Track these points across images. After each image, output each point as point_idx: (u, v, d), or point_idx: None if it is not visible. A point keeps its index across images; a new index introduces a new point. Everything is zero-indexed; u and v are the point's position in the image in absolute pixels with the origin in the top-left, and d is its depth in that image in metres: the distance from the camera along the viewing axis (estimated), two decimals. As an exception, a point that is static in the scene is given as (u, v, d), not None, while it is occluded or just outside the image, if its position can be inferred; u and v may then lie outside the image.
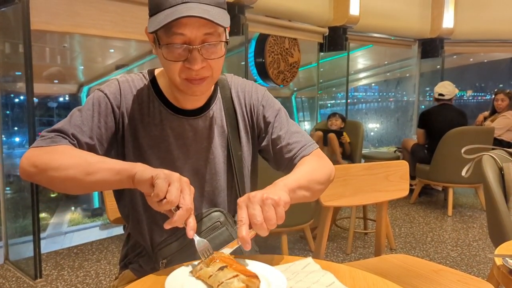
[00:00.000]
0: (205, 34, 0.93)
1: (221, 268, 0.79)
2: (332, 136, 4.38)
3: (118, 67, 5.03)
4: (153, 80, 1.08)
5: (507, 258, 0.95)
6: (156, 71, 1.11)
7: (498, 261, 0.98)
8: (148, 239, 1.08)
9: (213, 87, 1.10)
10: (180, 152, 1.07)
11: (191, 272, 0.83)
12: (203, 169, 1.09)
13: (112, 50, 5.07)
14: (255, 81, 4.73)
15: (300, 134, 1.12)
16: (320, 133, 4.50)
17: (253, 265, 0.85)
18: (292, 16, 4.46)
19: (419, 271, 1.59)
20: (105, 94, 1.03)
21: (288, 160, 1.09)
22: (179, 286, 0.79)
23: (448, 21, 5.59)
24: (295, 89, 6.61)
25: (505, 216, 1.89)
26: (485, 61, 8.17)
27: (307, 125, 6.53)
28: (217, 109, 1.11)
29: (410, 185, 4.34)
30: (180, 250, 1.00)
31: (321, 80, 5.69)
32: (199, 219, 1.00)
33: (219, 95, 1.12)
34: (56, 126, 0.99)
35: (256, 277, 0.74)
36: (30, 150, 0.95)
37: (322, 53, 5.26)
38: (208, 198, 1.09)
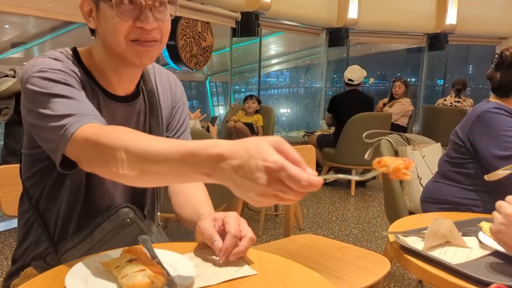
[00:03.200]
0: None
1: (130, 260, 0.77)
2: (243, 127, 4.48)
3: (14, 45, 4.57)
4: (77, 59, 0.97)
5: (398, 235, 1.05)
6: (80, 51, 0.99)
7: (391, 238, 1.08)
8: (56, 237, 0.99)
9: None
10: None
11: (101, 262, 0.80)
12: None
13: (7, 26, 4.59)
14: (167, 64, 4.60)
15: None
16: (232, 123, 4.57)
17: (161, 253, 0.83)
18: (205, -1, 4.40)
19: (324, 249, 1.69)
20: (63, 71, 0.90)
21: None
22: (83, 276, 0.76)
23: (352, 12, 5.91)
24: (209, 73, 6.56)
25: (399, 196, 2.08)
26: (385, 51, 8.81)
27: (221, 110, 6.53)
28: (143, 96, 1.05)
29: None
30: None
31: (234, 65, 5.71)
32: (106, 217, 0.95)
33: (141, 82, 1.06)
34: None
35: (162, 274, 0.73)
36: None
37: (235, 38, 5.27)
38: (132, 190, 1.05)
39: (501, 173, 1.17)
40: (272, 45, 7.46)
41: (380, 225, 3.47)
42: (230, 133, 4.68)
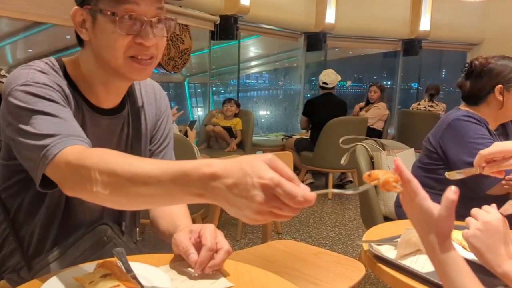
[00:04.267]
0: (158, 8, 0.87)
1: (104, 275, 0.76)
2: (221, 131, 4.48)
3: (-15, 44, 4.44)
4: (63, 71, 0.94)
5: (372, 244, 1.07)
6: (66, 61, 0.96)
7: (365, 247, 1.10)
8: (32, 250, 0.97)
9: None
10: None
11: (74, 277, 0.79)
12: None
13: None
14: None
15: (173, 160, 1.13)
16: (211, 127, 4.56)
17: (136, 266, 0.83)
18: (183, 2, 4.37)
19: (300, 255, 1.71)
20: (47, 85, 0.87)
21: None
22: None
23: (330, 17, 5.98)
24: (188, 74, 6.53)
25: (374, 201, 2.12)
26: (362, 54, 8.95)
27: (200, 111, 6.51)
28: (128, 108, 1.04)
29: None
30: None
31: (213, 67, 5.70)
32: (82, 235, 0.94)
33: (127, 93, 1.04)
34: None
35: (137, 289, 0.73)
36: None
37: (213, 41, 5.26)
38: None
39: (458, 174, 1.21)
40: (251, 47, 7.47)
41: (356, 228, 3.52)
42: (209, 137, 4.67)
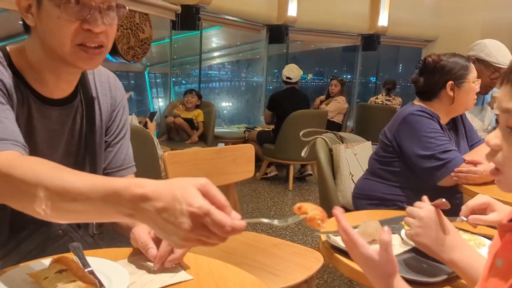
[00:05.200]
0: None
1: (60, 271, 0.74)
2: (182, 123, 4.44)
3: None
4: (7, 60, 0.89)
5: (330, 235, 1.11)
6: (11, 50, 0.91)
7: (323, 237, 1.13)
8: None
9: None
10: (46, 147, 0.94)
11: (28, 273, 0.77)
12: (66, 165, 0.98)
13: None
14: (103, 56, 4.42)
15: (130, 152, 1.11)
16: (171, 118, 4.51)
17: (93, 261, 0.82)
18: (143, -10, 4.27)
19: (261, 246, 1.73)
20: None
21: (107, 169, 1.08)
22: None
23: (292, 10, 6.03)
24: (148, 64, 6.39)
25: (332, 192, 2.18)
26: (323, 48, 9.08)
27: (161, 102, 6.40)
28: (80, 98, 1.00)
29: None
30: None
31: (175, 57, 5.61)
32: (35, 229, 0.91)
33: (79, 82, 1.01)
34: None
35: (94, 284, 0.72)
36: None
37: (175, 31, 5.18)
38: None
39: None
40: (214, 38, 7.40)
41: (316, 219, 3.59)
42: (170, 129, 4.61)
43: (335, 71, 10.09)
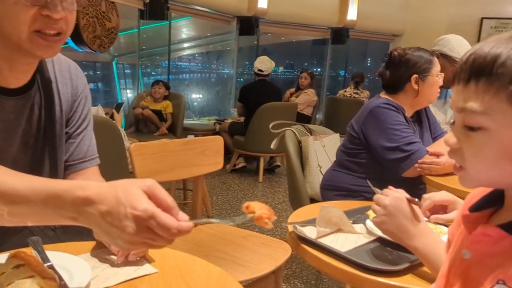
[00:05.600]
0: None
1: (17, 266, 0.71)
2: (151, 114, 4.37)
3: None
4: None
5: (296, 226, 1.11)
6: None
7: (290, 228, 1.14)
8: None
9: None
10: (0, 139, 0.90)
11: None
12: (23, 158, 0.94)
13: None
14: (66, 44, 4.28)
15: (93, 143, 1.08)
16: (139, 110, 4.42)
17: (54, 256, 0.79)
18: (109, -23, 4.15)
19: (229, 238, 1.73)
20: None
21: (69, 161, 1.04)
22: None
23: (262, 2, 6.00)
24: (116, 54, 6.23)
25: (301, 183, 2.19)
26: (294, 41, 9.12)
27: (129, 93, 6.27)
28: (38, 87, 0.96)
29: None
30: None
31: (144, 47, 5.50)
32: None
33: (37, 71, 0.96)
34: None
35: (54, 279, 0.69)
36: None
37: (143, 20, 5.07)
38: None
39: None
40: (183, 29, 7.30)
41: (285, 210, 3.63)
42: (138, 121, 4.53)
43: (306, 64, 10.16)
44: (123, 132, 2.76)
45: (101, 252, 0.88)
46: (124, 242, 0.58)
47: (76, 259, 0.82)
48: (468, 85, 0.55)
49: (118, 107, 3.77)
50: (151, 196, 0.58)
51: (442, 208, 1.09)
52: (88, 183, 0.59)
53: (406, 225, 0.89)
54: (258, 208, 0.72)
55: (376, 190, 1.04)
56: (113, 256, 0.85)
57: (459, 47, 2.36)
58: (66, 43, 4.24)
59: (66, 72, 1.03)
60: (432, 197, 1.10)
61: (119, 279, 0.79)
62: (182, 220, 0.59)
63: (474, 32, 6.63)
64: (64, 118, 1.03)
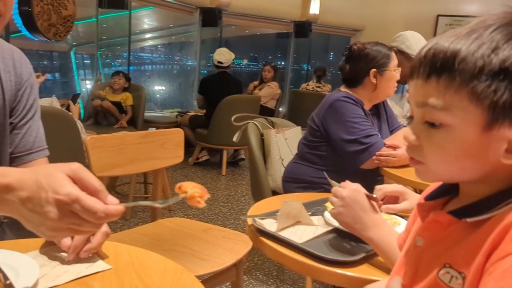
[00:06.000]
0: None
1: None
2: (110, 106, 4.24)
3: None
4: None
5: (256, 219, 1.11)
6: None
7: (250, 221, 1.14)
8: None
9: None
10: None
11: None
12: None
13: None
14: (19, 32, 4.08)
15: (41, 134, 1.04)
16: (98, 101, 4.29)
17: (0, 254, 0.75)
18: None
19: (190, 231, 1.71)
20: None
21: (15, 153, 1.00)
22: None
23: (225, -6, 5.95)
24: (75, 43, 6.01)
25: (263, 176, 2.20)
26: (258, 34, 9.10)
27: (88, 84, 6.07)
28: None
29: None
30: None
31: (104, 37, 5.33)
32: None
33: None
34: None
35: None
36: None
37: (101, 9, 4.90)
38: None
39: None
40: (145, 19, 7.12)
41: (248, 203, 3.63)
42: (96, 113, 4.39)
43: (270, 57, 10.18)
44: (80, 124, 2.66)
45: (50, 249, 0.84)
46: (48, 229, 0.55)
47: (23, 257, 0.78)
48: (429, 80, 0.54)
49: (75, 98, 3.63)
50: (77, 180, 0.56)
51: (393, 199, 1.12)
52: (9, 169, 0.56)
53: (362, 216, 0.91)
54: (190, 188, 0.70)
55: (333, 182, 1.06)
56: (63, 254, 0.82)
57: (416, 44, 2.42)
58: (19, 31, 4.03)
59: (9, 60, 0.98)
60: (383, 188, 1.13)
61: (70, 277, 0.76)
62: (111, 203, 0.57)
63: (430, 29, 6.86)
64: (8, 107, 0.97)
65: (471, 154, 0.54)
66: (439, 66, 0.53)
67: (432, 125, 0.55)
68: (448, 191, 0.63)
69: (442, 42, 0.54)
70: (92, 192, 0.56)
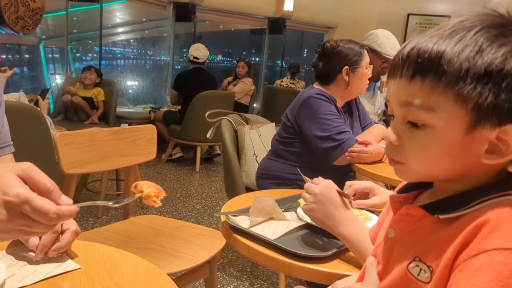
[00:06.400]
0: None
1: None
2: (81, 102, 4.14)
3: None
4: None
5: (229, 216, 1.11)
6: None
7: (223, 218, 1.14)
8: None
9: None
10: None
11: None
12: None
13: None
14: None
15: (5, 130, 1.01)
16: (68, 97, 4.18)
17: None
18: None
19: (163, 229, 1.70)
20: None
21: None
22: None
23: (199, -11, 5.89)
24: (44, 37, 5.83)
25: (237, 173, 2.20)
26: (233, 29, 9.06)
27: (58, 79, 5.90)
28: None
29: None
30: None
31: (74, 30, 5.19)
32: None
33: None
34: None
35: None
36: None
37: (72, 2, 4.78)
38: None
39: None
40: (117, 13, 6.97)
41: (222, 199, 3.63)
42: (67, 108, 4.28)
43: (244, 53, 10.15)
44: (49, 120, 2.59)
45: (18, 249, 0.81)
46: None
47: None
48: (414, 80, 0.54)
49: (44, 93, 3.52)
50: (27, 181, 0.55)
51: (364, 195, 1.14)
52: None
53: (334, 212, 0.92)
54: (146, 187, 0.70)
55: (306, 178, 1.07)
56: (31, 253, 0.80)
57: (387, 43, 2.47)
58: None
59: None
60: (354, 184, 1.15)
61: (38, 277, 0.74)
62: (64, 203, 0.56)
63: (401, 27, 7.00)
64: None
65: (453, 155, 0.54)
66: (424, 67, 0.53)
67: (414, 125, 0.55)
68: (421, 184, 0.63)
69: (425, 42, 0.54)
70: (44, 192, 0.55)
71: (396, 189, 0.68)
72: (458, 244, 0.51)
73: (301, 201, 1.21)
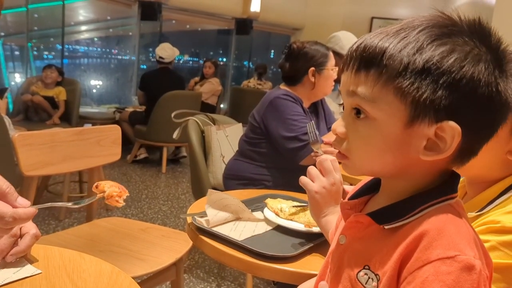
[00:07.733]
0: None
1: None
2: (41, 101, 4.01)
3: None
4: None
5: (195, 217, 1.10)
6: None
7: (189, 220, 1.13)
8: None
9: None
10: None
11: None
12: None
13: None
14: None
15: None
16: (28, 96, 4.03)
17: None
18: None
19: (128, 231, 1.66)
20: None
21: None
22: None
23: (165, -13, 5.81)
24: (2, 34, 5.60)
25: (203, 173, 2.19)
26: (199, 29, 9.00)
27: (18, 78, 5.68)
28: None
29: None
30: None
31: (35, 28, 5.01)
32: None
33: None
34: None
35: None
36: None
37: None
38: None
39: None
40: (81, 10, 6.78)
41: (189, 201, 3.60)
42: (26, 108, 4.13)
43: (211, 53, 10.10)
44: (8, 120, 2.49)
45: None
46: None
47: None
48: (359, 73, 0.56)
49: (2, 92, 3.38)
50: None
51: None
52: None
53: (332, 204, 0.93)
54: (108, 187, 0.68)
55: (320, 151, 1.05)
56: (-13, 259, 0.77)
57: (349, 45, 2.51)
58: None
59: None
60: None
61: (-6, 283, 0.71)
62: (21, 206, 0.54)
63: (365, 30, 7.15)
64: None
65: (392, 149, 0.56)
66: (367, 61, 0.55)
67: (358, 115, 0.57)
68: (370, 189, 0.65)
69: (373, 38, 0.56)
70: None
71: (347, 196, 0.69)
72: (401, 253, 0.53)
73: (268, 201, 1.22)
